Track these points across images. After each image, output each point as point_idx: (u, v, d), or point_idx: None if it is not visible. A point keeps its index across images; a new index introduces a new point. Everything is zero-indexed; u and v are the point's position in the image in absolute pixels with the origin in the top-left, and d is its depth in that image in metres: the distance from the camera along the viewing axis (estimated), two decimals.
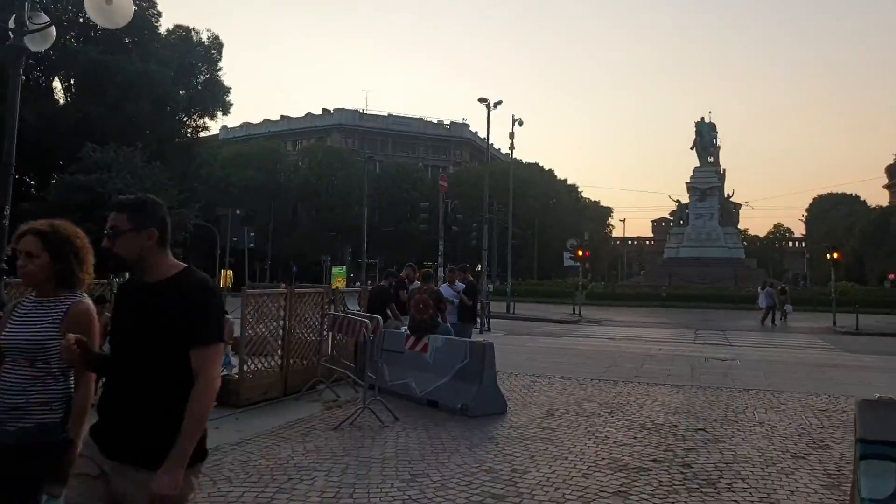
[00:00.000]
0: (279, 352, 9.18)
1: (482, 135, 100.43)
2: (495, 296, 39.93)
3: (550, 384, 10.87)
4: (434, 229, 16.18)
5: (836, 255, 30.53)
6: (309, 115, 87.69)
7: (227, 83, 44.46)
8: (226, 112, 45.29)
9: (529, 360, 13.95)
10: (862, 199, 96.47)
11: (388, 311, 10.34)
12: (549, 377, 11.59)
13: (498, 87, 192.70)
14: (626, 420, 8.25)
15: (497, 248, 65.77)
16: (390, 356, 9.91)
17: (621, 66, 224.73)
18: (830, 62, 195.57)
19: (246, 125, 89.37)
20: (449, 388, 8.65)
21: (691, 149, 60.05)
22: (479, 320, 20.36)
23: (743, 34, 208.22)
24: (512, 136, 34.01)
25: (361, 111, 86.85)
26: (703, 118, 59.80)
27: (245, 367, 8.54)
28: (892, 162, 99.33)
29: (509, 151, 35.54)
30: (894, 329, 26.16)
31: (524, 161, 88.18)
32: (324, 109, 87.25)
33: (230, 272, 53.56)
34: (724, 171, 60.76)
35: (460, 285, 11.56)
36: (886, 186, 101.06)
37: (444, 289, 11.31)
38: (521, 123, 33.99)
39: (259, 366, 8.86)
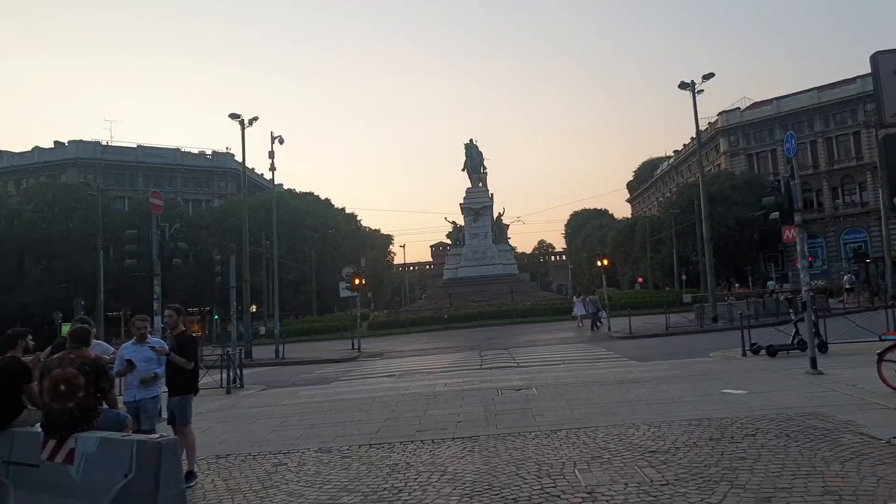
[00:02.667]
0: None
1: (250, 164, 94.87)
2: (268, 338, 35.68)
3: (301, 466, 7.65)
4: (148, 264, 12.03)
5: (605, 262, 31.50)
6: (37, 148, 74.95)
7: None
8: None
9: (281, 427, 10.56)
10: (610, 212, 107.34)
11: (25, 398, 6.38)
12: (301, 453, 8.37)
13: (268, 117, 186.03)
14: None
15: (270, 286, 61.03)
16: (20, 473, 6.00)
17: (394, 92, 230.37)
18: (581, 91, 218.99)
19: None
20: None
21: (462, 170, 60.78)
22: (227, 378, 16.52)
23: (504, 62, 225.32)
24: (272, 154, 30.46)
25: (105, 143, 76.40)
26: (471, 140, 60.85)
27: None
28: (631, 179, 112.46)
29: (272, 174, 31.75)
30: (660, 329, 26.95)
31: (298, 191, 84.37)
32: (56, 142, 75.27)
33: None
34: (492, 194, 62.36)
35: (155, 341, 7.87)
36: (628, 200, 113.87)
37: (130, 349, 7.53)
38: (281, 141, 30.60)
39: None
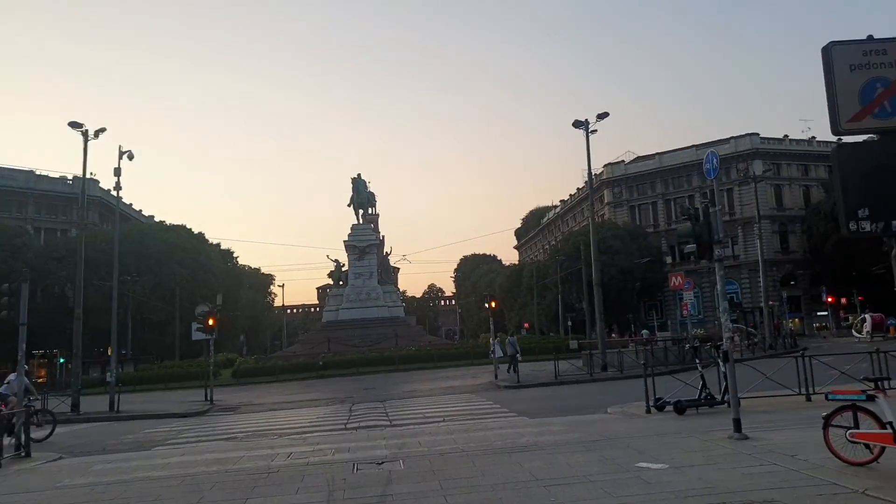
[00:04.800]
0: None
1: (116, 192, 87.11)
2: (120, 385, 30.95)
3: None
4: None
5: (493, 304, 30.13)
6: None
7: None
8: None
9: None
10: (499, 258, 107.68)
11: None
12: None
13: (141, 146, 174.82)
14: None
15: (130, 326, 54.58)
16: None
17: (280, 125, 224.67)
18: (472, 139, 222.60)
19: None
20: None
21: (349, 206, 57.91)
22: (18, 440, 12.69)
23: (394, 101, 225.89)
24: (118, 172, 26.31)
25: None
26: (359, 174, 58.17)
27: None
28: (519, 226, 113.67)
29: (118, 192, 27.64)
30: (549, 377, 25.11)
31: (168, 223, 77.78)
32: None
33: None
34: (383, 236, 59.74)
35: None
36: (516, 247, 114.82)
37: None
38: (130, 157, 26.58)
39: None
